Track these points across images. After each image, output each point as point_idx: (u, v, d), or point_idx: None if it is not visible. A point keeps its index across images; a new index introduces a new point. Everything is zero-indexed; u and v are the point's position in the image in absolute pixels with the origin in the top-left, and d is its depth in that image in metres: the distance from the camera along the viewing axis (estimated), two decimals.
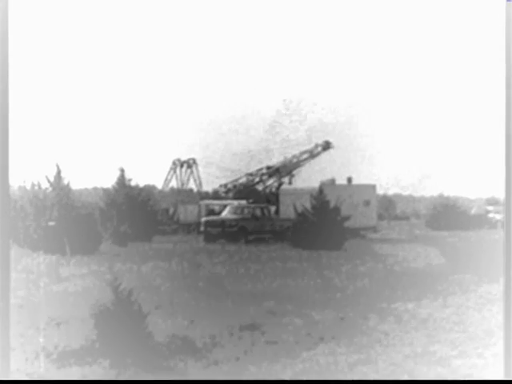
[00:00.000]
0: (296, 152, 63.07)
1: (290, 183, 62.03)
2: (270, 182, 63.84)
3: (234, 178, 64.40)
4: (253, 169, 64.55)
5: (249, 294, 16.81)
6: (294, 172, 62.69)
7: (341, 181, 46.03)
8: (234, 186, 63.33)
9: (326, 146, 62.84)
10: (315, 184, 41.41)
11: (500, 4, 10.76)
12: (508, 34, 10.54)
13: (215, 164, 64.36)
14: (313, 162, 58.77)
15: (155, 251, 29.29)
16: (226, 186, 64.06)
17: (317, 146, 63.06)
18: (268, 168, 63.54)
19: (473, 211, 56.53)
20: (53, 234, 27.56)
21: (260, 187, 63.37)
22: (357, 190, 44.38)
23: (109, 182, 41.74)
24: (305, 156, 63.31)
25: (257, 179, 63.74)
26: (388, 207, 70.11)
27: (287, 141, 63.81)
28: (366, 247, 33.36)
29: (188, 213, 52.56)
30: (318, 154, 63.05)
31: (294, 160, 63.39)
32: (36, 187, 30.52)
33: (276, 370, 10.47)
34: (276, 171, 62.84)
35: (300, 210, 34.11)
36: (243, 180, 63.85)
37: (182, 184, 65.26)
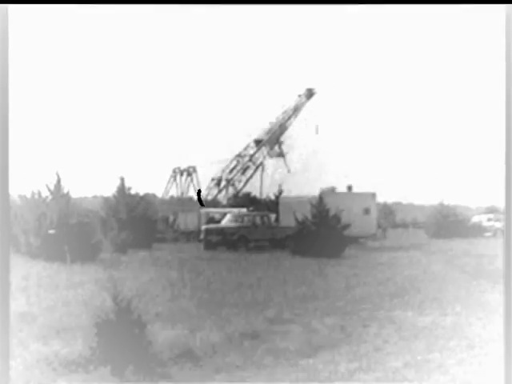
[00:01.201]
0: (278, 114, 62.12)
1: (282, 154, 61.30)
2: (261, 157, 62.79)
3: (224, 164, 63.75)
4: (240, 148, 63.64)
5: (249, 302, 16.81)
6: (282, 138, 61.90)
7: (341, 189, 46.09)
8: (228, 182, 62.74)
9: (309, 94, 61.74)
10: (315, 192, 41.45)
11: (500, 5, 10.81)
12: (508, 37, 10.57)
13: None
14: (312, 168, 58.55)
15: (155, 259, 29.29)
16: (218, 179, 63.58)
17: (300, 96, 62.03)
18: (256, 142, 62.83)
19: (473, 220, 56.56)
20: (53, 242, 27.58)
21: (252, 166, 62.32)
22: (357, 198, 44.41)
23: (109, 190, 41.80)
24: (289, 113, 62.38)
25: (246, 159, 62.96)
26: (388, 215, 70.13)
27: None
28: (366, 255, 33.38)
29: (188, 221, 52.59)
30: (303, 104, 61.95)
31: (279, 124, 62.43)
32: (36, 196, 30.55)
33: (276, 377, 10.47)
34: (266, 142, 61.92)
35: (300, 218, 34.14)
36: (234, 163, 63.27)
37: (182, 192, 65.27)
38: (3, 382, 9.96)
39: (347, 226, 33.99)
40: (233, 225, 40.60)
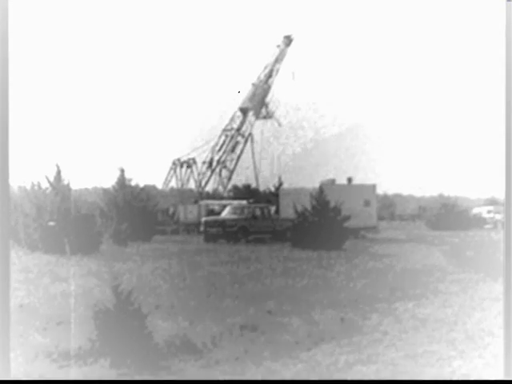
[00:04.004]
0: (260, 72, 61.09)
1: (268, 114, 60.69)
2: (249, 127, 61.97)
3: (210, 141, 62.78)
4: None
5: (249, 294, 16.81)
6: (268, 99, 61.11)
7: (341, 181, 46.07)
8: (220, 163, 62.02)
9: (288, 41, 61.27)
10: (315, 184, 41.42)
11: (500, 4, 10.78)
12: (508, 34, 10.55)
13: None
14: (312, 162, 58.41)
15: (155, 251, 29.29)
16: (209, 161, 62.87)
17: (278, 47, 61.43)
18: (241, 110, 62.10)
19: (473, 211, 56.50)
20: (53, 234, 27.57)
21: (241, 140, 61.58)
22: (357, 190, 44.38)
23: (109, 182, 41.75)
24: (269, 68, 61.67)
25: (233, 132, 62.18)
26: (388, 207, 70.06)
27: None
28: (366, 247, 33.38)
29: (188, 213, 52.56)
30: (284, 53, 61.36)
31: (261, 83, 61.61)
32: (36, 187, 30.52)
33: (276, 369, 10.47)
34: (252, 108, 61.08)
35: (300, 209, 34.11)
36: (222, 139, 62.66)
37: (182, 184, 65.16)
38: (4, 373, 9.96)
39: (347, 218, 33.95)
40: (233, 217, 40.60)
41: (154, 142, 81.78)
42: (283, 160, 60.52)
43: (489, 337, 12.38)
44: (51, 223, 28.16)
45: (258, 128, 62.01)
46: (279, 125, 60.96)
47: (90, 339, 10.89)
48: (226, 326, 13.06)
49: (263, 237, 39.49)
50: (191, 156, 63.91)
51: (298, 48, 59.84)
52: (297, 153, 61.51)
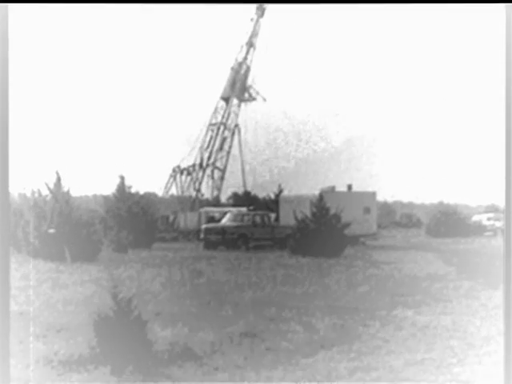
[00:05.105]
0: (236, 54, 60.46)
1: (251, 97, 60.15)
2: (234, 118, 61.43)
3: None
4: None
5: (249, 301, 16.81)
6: (250, 82, 60.52)
7: (341, 188, 46.06)
8: (212, 161, 61.60)
9: (261, 12, 60.55)
10: (315, 191, 41.41)
11: (500, 4, 10.81)
12: (508, 35, 10.57)
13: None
14: (313, 168, 58.32)
15: (155, 258, 29.29)
16: (200, 162, 62.43)
17: (252, 20, 60.78)
18: (223, 99, 61.56)
19: (473, 219, 56.50)
20: (53, 241, 27.56)
21: (228, 134, 61.05)
22: (357, 198, 44.37)
23: (109, 189, 41.77)
24: (246, 47, 60.98)
25: (218, 125, 61.60)
26: (388, 214, 70.06)
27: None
28: (366, 254, 33.37)
29: (188, 220, 52.58)
30: (258, 24, 60.68)
31: (239, 66, 60.92)
32: (36, 194, 30.53)
33: (276, 377, 10.47)
34: (234, 96, 60.53)
35: (300, 217, 34.10)
36: (209, 135, 62.21)
37: (182, 191, 65.12)
38: (3, 380, 9.96)
39: (347, 225, 33.94)
40: (233, 224, 40.61)
41: (154, 149, 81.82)
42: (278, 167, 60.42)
43: (489, 344, 12.37)
44: (51, 230, 28.16)
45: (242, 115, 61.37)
46: (264, 100, 60.62)
47: (90, 346, 10.88)
48: (226, 332, 13.06)
49: (263, 244, 39.49)
50: (187, 160, 63.74)
51: (271, 18, 59.15)
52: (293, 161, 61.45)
